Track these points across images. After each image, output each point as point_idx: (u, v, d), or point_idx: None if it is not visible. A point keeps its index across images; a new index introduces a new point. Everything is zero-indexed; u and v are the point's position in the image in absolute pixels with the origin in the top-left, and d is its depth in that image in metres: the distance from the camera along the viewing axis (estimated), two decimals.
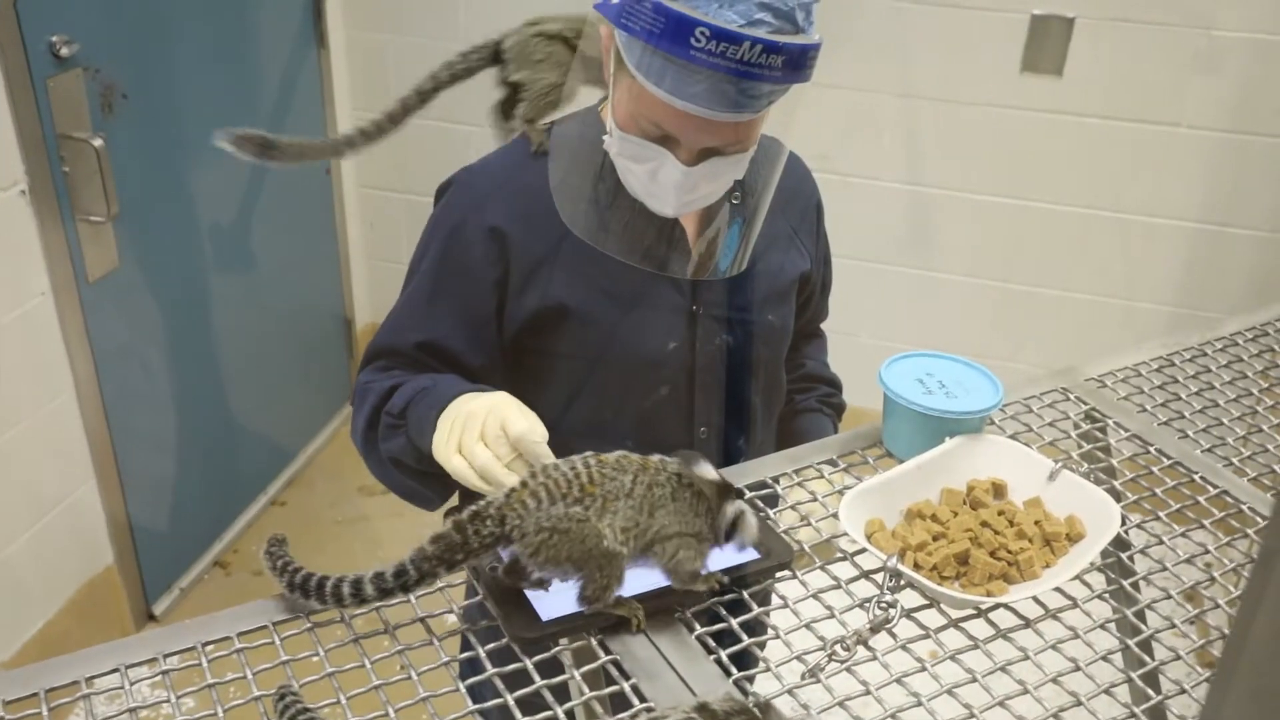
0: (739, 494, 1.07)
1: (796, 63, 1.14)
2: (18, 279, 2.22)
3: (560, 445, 1.18)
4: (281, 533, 1.03)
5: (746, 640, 1.02)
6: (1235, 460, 1.32)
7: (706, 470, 1.03)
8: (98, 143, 2.24)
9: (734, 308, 1.40)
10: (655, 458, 1.02)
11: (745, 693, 0.94)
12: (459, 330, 1.33)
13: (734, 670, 0.97)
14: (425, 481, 1.30)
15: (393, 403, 1.27)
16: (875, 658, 1.01)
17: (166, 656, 0.97)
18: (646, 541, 0.98)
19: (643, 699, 0.93)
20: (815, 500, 1.22)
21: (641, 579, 1.06)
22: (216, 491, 2.99)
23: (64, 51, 2.17)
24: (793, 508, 1.24)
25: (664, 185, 1.23)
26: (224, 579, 2.92)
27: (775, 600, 1.08)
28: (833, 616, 1.04)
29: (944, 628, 1.04)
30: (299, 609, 1.01)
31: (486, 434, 1.11)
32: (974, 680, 0.98)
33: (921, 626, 1.04)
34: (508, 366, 1.37)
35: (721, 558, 1.09)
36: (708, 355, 1.38)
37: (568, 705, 0.93)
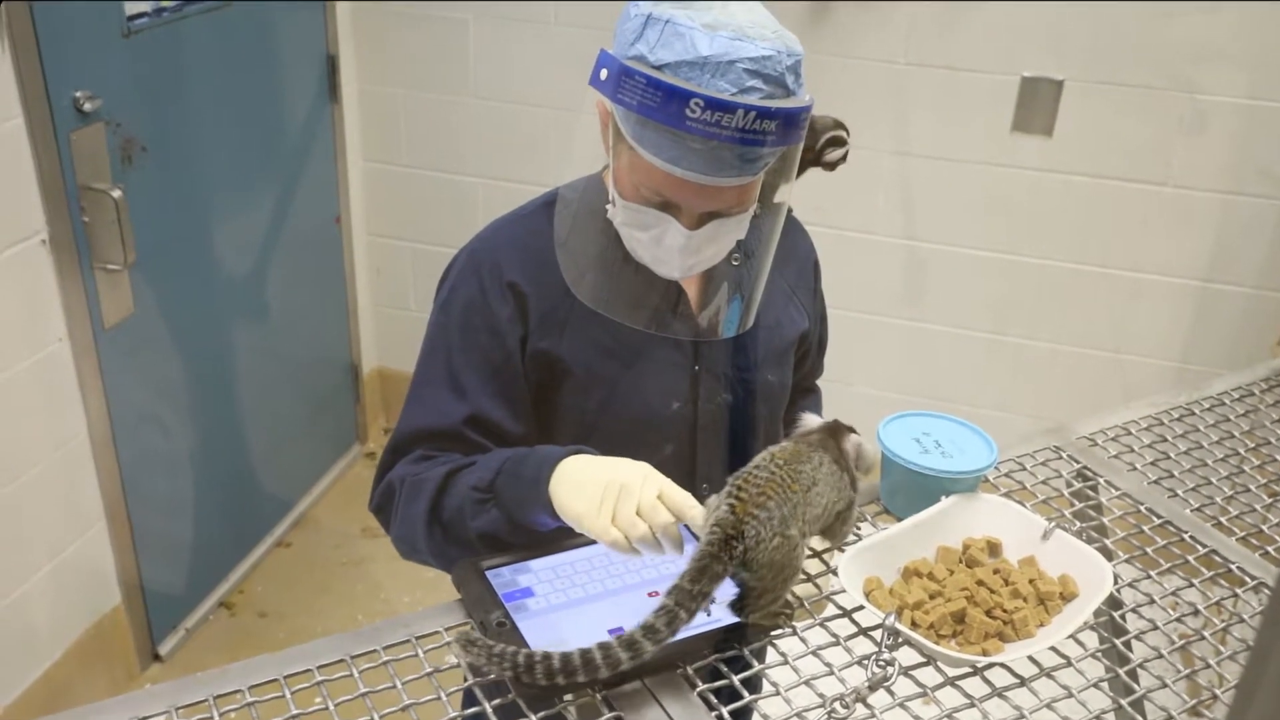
0: (848, 428, 1.18)
1: (790, 125, 1.16)
2: (36, 325, 2.23)
3: None
4: (465, 629, 0.97)
5: (748, 697, 1.02)
6: (1223, 519, 1.33)
7: (813, 420, 1.17)
8: (117, 194, 2.26)
9: (735, 366, 1.41)
10: (797, 437, 1.15)
11: None
12: (497, 399, 1.31)
13: None
14: (498, 547, 1.25)
15: (477, 478, 1.22)
16: (874, 715, 1.01)
17: (178, 710, 0.97)
18: (826, 522, 1.11)
19: None
20: (814, 556, 1.23)
21: None
22: (223, 533, 2.98)
23: (87, 106, 2.20)
24: None
25: (669, 250, 1.25)
26: (229, 620, 2.90)
27: (774, 657, 1.09)
28: (832, 673, 1.04)
29: (941, 685, 1.04)
30: (311, 660, 1.01)
31: (643, 505, 1.09)
32: None
33: (919, 684, 1.04)
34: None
35: (721, 615, 1.09)
36: (709, 414, 1.38)
37: None
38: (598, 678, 0.95)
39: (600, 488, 1.11)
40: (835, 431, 1.18)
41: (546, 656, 0.94)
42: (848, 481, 1.15)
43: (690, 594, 0.97)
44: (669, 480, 1.12)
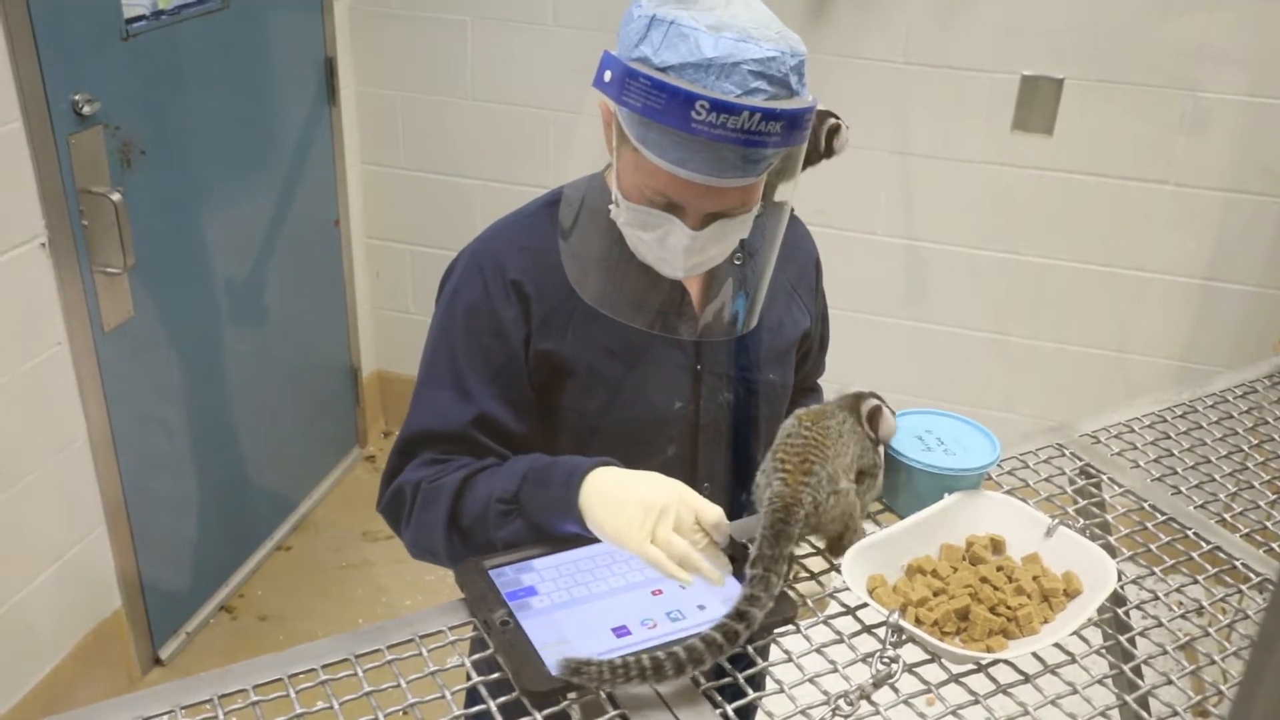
0: (870, 394, 1.25)
1: (794, 125, 1.16)
2: (35, 328, 2.23)
3: None
4: (574, 662, 0.96)
5: (752, 694, 1.03)
6: (1227, 516, 1.33)
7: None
8: (116, 197, 2.27)
9: (736, 366, 1.41)
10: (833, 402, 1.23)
11: None
12: (501, 400, 1.31)
13: None
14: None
15: (501, 488, 1.23)
16: (878, 712, 1.01)
17: (182, 709, 0.97)
18: (859, 471, 1.20)
19: None
20: (818, 554, 1.23)
21: (649, 635, 1.07)
22: (224, 537, 2.98)
23: (85, 109, 2.21)
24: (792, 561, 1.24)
25: (673, 250, 1.25)
26: (230, 623, 2.90)
27: (778, 654, 1.09)
28: (836, 670, 1.05)
29: (945, 682, 1.05)
30: (314, 660, 1.01)
31: (681, 524, 1.14)
32: None
33: (923, 681, 1.04)
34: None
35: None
36: (711, 413, 1.39)
37: None
38: (723, 656, 1.00)
39: (640, 508, 1.15)
40: (858, 397, 1.25)
41: (671, 654, 0.97)
42: (870, 445, 1.23)
43: (774, 558, 1.05)
44: (703, 499, 1.17)
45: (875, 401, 1.24)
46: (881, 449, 1.25)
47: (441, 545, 1.28)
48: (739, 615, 1.01)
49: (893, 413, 1.26)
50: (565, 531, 1.20)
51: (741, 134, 1.12)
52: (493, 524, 1.24)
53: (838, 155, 1.41)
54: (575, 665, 0.95)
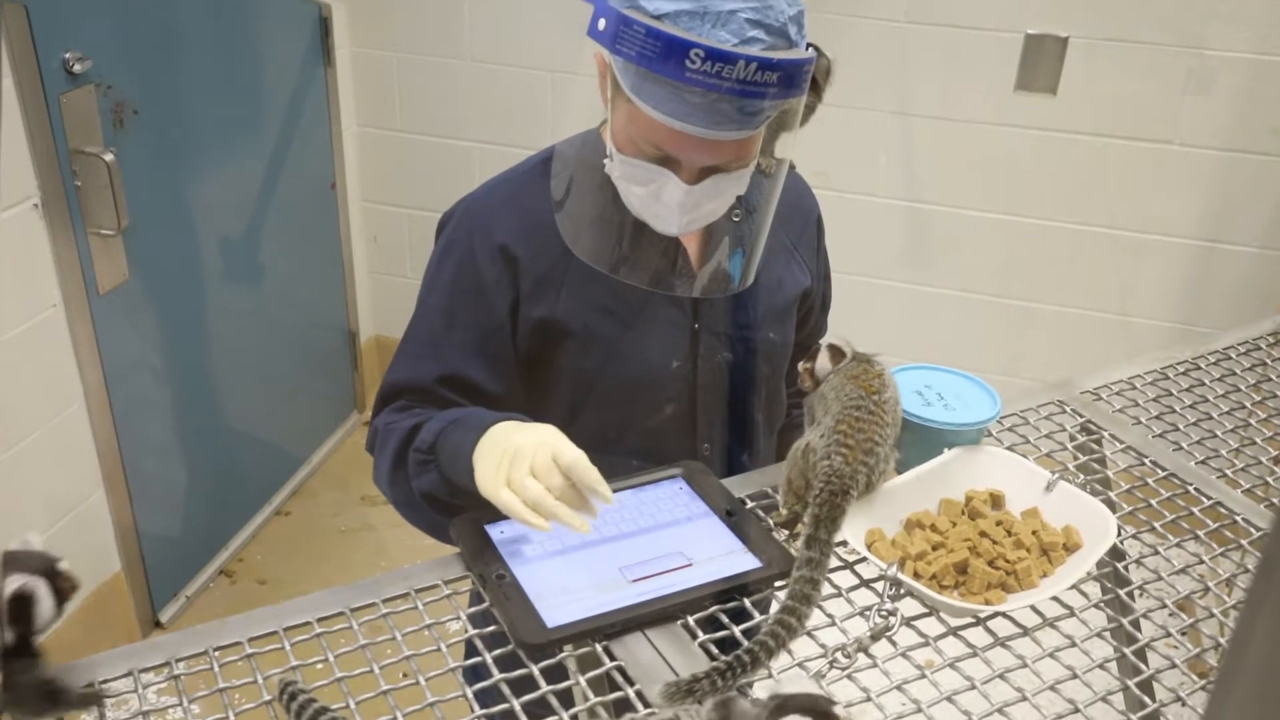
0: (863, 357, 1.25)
1: (791, 77, 1.14)
2: (30, 291, 2.23)
3: None
4: (681, 684, 0.93)
5: (748, 645, 1.02)
6: (1229, 472, 1.33)
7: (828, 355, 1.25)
8: (109, 157, 2.25)
9: (735, 324, 1.40)
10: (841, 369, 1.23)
11: (748, 697, 0.94)
12: (476, 359, 1.31)
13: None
14: (442, 509, 1.28)
15: (420, 439, 1.24)
16: (876, 665, 1.01)
17: (178, 661, 0.97)
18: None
19: (646, 705, 0.94)
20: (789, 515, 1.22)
21: (646, 588, 1.07)
22: (222, 501, 2.99)
23: (76, 68, 2.19)
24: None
25: (667, 205, 1.23)
26: (229, 587, 2.92)
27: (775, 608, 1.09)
28: (834, 624, 1.05)
29: (943, 635, 1.05)
30: (310, 613, 1.01)
31: (537, 467, 1.08)
32: (973, 688, 0.98)
33: (921, 634, 1.04)
34: (523, 390, 1.36)
35: (722, 566, 1.10)
36: (709, 372, 1.38)
37: (573, 710, 0.93)
38: (797, 635, 1.00)
39: (499, 451, 1.11)
40: (861, 360, 1.24)
41: (749, 651, 0.95)
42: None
43: (827, 542, 1.05)
44: (568, 442, 1.10)
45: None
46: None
47: (387, 488, 1.30)
48: (803, 597, 1.01)
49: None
50: (470, 488, 1.15)
51: (737, 85, 1.10)
52: (412, 472, 1.25)
53: (825, 91, 1.37)
54: (685, 687, 0.92)
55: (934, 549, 1.11)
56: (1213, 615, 1.11)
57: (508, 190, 1.36)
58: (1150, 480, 1.30)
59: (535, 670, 0.97)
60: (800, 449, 1.16)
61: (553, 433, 1.12)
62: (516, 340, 1.33)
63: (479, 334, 1.32)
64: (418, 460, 1.24)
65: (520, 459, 1.09)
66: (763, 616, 1.06)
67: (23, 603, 0.90)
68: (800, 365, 1.28)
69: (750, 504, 1.22)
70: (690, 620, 1.04)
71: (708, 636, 1.02)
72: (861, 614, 1.05)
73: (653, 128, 1.17)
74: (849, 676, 0.99)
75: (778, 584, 1.09)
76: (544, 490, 1.07)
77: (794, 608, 1.00)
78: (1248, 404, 1.48)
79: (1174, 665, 1.04)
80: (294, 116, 3.03)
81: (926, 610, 1.07)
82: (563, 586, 1.07)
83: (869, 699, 0.96)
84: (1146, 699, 1.00)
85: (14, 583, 0.91)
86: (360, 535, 3.10)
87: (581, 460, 1.08)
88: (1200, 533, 1.23)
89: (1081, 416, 1.41)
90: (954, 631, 1.05)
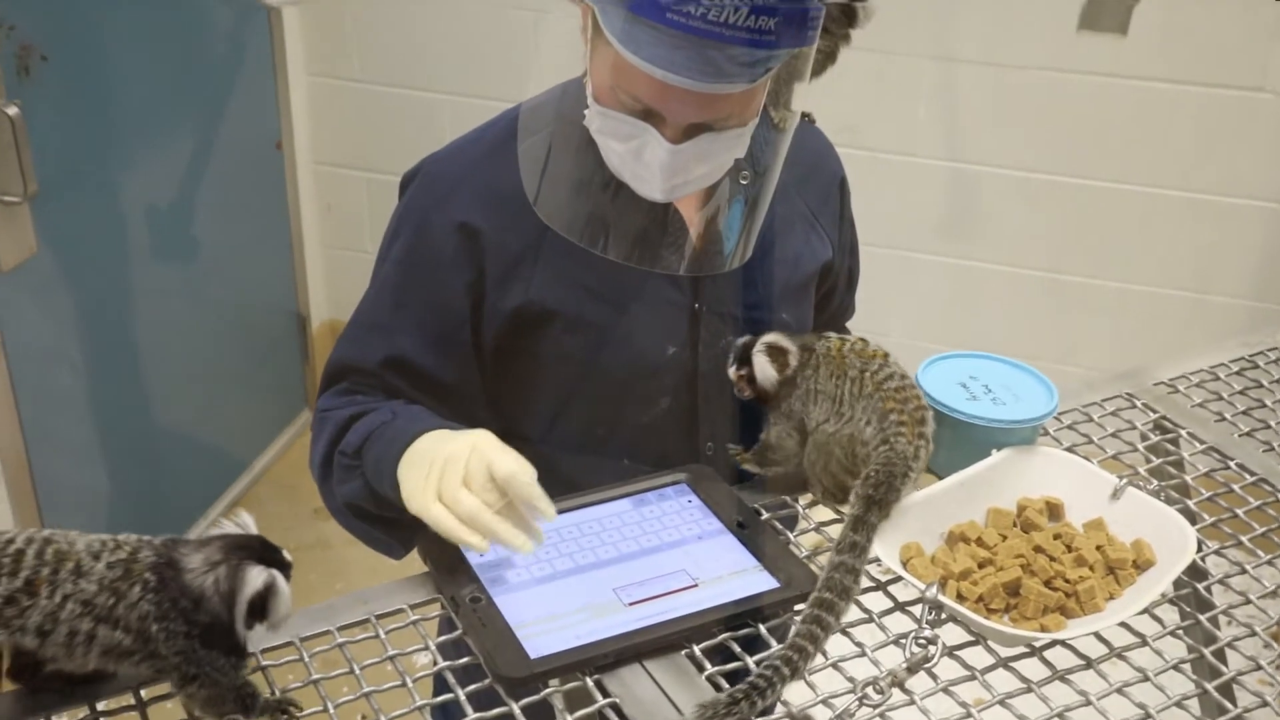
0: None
1: (793, 25, 1.12)
2: None
3: (548, 461, 1.18)
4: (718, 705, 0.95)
5: (781, 650, 1.02)
6: None
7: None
8: (12, 111, 2.24)
9: (743, 305, 1.39)
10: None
11: None
12: (426, 343, 1.32)
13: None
14: (388, 529, 1.30)
15: (347, 440, 1.25)
16: (913, 702, 1.01)
17: (97, 703, 0.97)
18: None
19: None
20: (842, 520, 1.22)
21: (644, 613, 1.07)
22: (150, 513, 2.98)
23: None
24: (816, 529, 1.24)
25: (649, 166, 1.22)
26: None
27: None
28: (864, 654, 1.05)
29: (992, 668, 1.05)
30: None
31: (470, 479, 1.09)
32: None
33: (966, 666, 1.04)
34: (490, 378, 1.36)
35: (733, 587, 1.10)
36: (712, 360, 1.37)
37: None
38: (832, 633, 1.02)
39: (427, 462, 1.12)
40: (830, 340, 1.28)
41: (784, 658, 0.97)
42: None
43: (874, 525, 1.09)
44: (504, 449, 1.11)
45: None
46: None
47: (318, 480, 1.32)
48: (842, 590, 1.03)
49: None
50: (399, 504, 1.16)
51: (727, 29, 1.09)
52: (337, 477, 1.26)
53: (861, 27, 1.36)
54: (725, 709, 0.93)
55: (981, 566, 1.11)
56: None
57: (475, 153, 1.36)
58: (1236, 486, 1.30)
59: (516, 709, 0.97)
60: (840, 441, 1.18)
61: (486, 438, 1.13)
62: (482, 328, 1.33)
63: (431, 316, 1.32)
64: (343, 465, 1.25)
65: (452, 470, 1.09)
66: (780, 646, 1.06)
67: (265, 597, 0.94)
68: (733, 373, 1.28)
69: (766, 514, 1.22)
70: (696, 650, 1.04)
71: (716, 669, 1.02)
72: (896, 642, 1.05)
73: (632, 76, 1.16)
74: (881, 716, 0.98)
75: (798, 607, 1.09)
76: (480, 504, 1.07)
77: (830, 601, 1.01)
78: None
79: (1265, 703, 1.04)
80: (232, 64, 3.02)
81: (972, 638, 1.07)
82: (548, 611, 1.07)
83: None
84: None
85: (258, 576, 0.95)
86: (313, 553, 3.10)
87: (520, 473, 1.09)
88: None
89: (1154, 412, 1.41)
90: (1004, 663, 1.05)
